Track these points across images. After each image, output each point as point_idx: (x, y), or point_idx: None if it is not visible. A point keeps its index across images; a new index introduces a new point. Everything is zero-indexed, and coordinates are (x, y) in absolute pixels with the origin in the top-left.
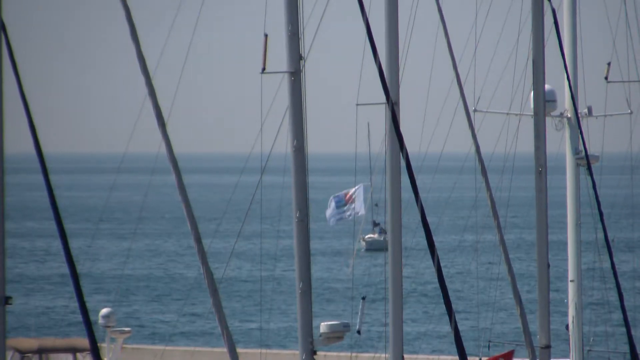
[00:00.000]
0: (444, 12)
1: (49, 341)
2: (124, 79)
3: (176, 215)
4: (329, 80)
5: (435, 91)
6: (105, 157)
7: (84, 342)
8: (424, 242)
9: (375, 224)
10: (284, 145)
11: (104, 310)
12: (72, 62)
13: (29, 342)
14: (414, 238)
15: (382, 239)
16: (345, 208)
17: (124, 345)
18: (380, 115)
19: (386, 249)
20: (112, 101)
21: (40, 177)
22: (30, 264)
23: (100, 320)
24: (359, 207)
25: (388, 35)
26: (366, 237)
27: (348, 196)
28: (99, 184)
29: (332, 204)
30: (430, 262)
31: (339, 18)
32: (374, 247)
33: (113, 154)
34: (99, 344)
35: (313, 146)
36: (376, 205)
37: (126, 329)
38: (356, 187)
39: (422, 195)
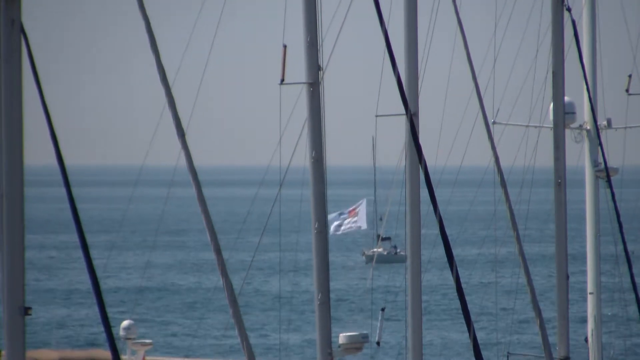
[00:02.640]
0: (463, 23)
1: (70, 353)
2: (143, 91)
3: (196, 227)
4: (346, 91)
5: (453, 103)
6: (124, 169)
7: (105, 354)
8: (439, 254)
9: (383, 239)
10: (302, 157)
11: (125, 322)
12: (91, 72)
13: (50, 354)
14: (432, 250)
15: (385, 253)
16: (347, 222)
17: (145, 357)
18: (398, 127)
19: (387, 262)
20: (130, 112)
21: (61, 190)
22: (50, 276)
23: (122, 332)
24: (361, 221)
25: (407, 46)
26: (368, 250)
27: (352, 211)
28: (119, 197)
29: (332, 216)
30: (449, 274)
31: (358, 29)
32: (375, 261)
33: (131, 165)
34: (120, 356)
35: (329, 158)
36: (381, 219)
37: (147, 340)
38: (359, 202)
39: (441, 208)
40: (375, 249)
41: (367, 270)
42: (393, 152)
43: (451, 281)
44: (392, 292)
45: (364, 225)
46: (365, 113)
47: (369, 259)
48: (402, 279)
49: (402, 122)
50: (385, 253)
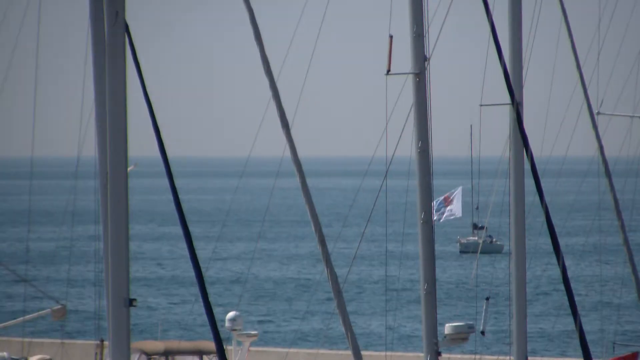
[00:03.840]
0: (567, 12)
1: (175, 344)
2: (248, 84)
3: (300, 219)
4: (449, 82)
5: (558, 93)
6: (230, 161)
7: (210, 345)
8: (543, 245)
9: (478, 227)
10: (406, 147)
11: (231, 314)
12: (195, 67)
13: (156, 345)
14: (537, 240)
15: (480, 241)
16: (443, 210)
17: (250, 349)
18: (500, 118)
19: (483, 252)
20: (234, 104)
21: (165, 181)
22: (155, 267)
23: (227, 324)
24: (457, 209)
25: (512, 36)
26: (463, 239)
27: (447, 198)
28: (224, 187)
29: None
30: (552, 263)
31: (462, 19)
32: (470, 250)
33: (238, 157)
34: (225, 347)
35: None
36: (477, 208)
37: (253, 332)
38: (455, 190)
39: (546, 198)
40: (470, 237)
41: (462, 259)
42: (495, 143)
43: (553, 271)
44: (490, 282)
45: (460, 214)
46: (467, 103)
47: (464, 247)
48: (499, 268)
49: (505, 113)
50: (480, 242)
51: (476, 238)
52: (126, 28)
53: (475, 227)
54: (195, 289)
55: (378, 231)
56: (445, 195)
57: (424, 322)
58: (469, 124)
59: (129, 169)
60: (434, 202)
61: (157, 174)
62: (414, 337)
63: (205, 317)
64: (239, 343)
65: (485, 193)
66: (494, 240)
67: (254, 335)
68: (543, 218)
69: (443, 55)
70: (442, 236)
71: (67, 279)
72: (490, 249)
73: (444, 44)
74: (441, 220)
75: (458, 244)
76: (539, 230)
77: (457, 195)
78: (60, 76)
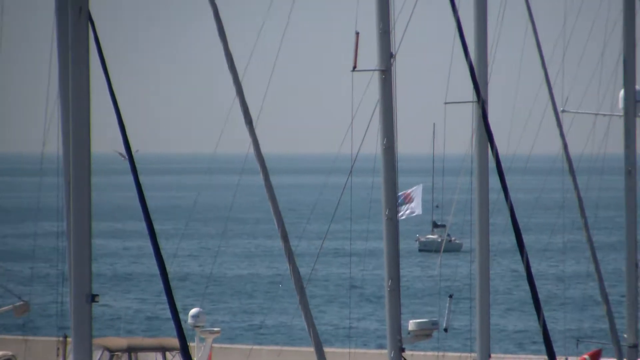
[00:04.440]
0: (533, 11)
1: (139, 340)
2: (215, 80)
3: (264, 216)
4: (415, 78)
5: (523, 91)
6: (194, 158)
7: (174, 341)
8: (507, 242)
9: (437, 225)
10: (372, 144)
11: (194, 310)
12: (159, 61)
13: (119, 341)
14: (500, 237)
15: (439, 240)
16: (403, 207)
17: (213, 345)
18: (465, 116)
19: (441, 250)
20: (201, 101)
21: (129, 178)
22: (117, 264)
23: (190, 320)
24: (417, 206)
25: (477, 34)
26: (422, 237)
27: (407, 196)
28: (188, 185)
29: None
30: (516, 261)
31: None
32: (428, 248)
33: (202, 154)
34: (188, 344)
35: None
36: (437, 206)
37: (215, 328)
38: (414, 188)
39: (511, 195)
40: (429, 236)
41: (422, 257)
42: (460, 141)
43: (517, 268)
44: (453, 279)
45: (420, 212)
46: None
47: (423, 245)
48: (461, 266)
49: (469, 111)
50: (439, 240)
51: (436, 236)
52: (92, 23)
53: (435, 225)
54: (159, 286)
55: (344, 228)
56: (406, 192)
57: (388, 318)
58: (434, 121)
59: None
60: None
61: (122, 170)
62: (377, 334)
63: (168, 314)
64: (202, 340)
65: (449, 191)
66: (453, 239)
67: (217, 332)
68: (508, 215)
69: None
70: (401, 234)
71: (30, 276)
72: (449, 248)
73: (410, 41)
74: (401, 218)
75: (417, 242)
76: (502, 229)
77: (418, 193)
78: (25, 73)
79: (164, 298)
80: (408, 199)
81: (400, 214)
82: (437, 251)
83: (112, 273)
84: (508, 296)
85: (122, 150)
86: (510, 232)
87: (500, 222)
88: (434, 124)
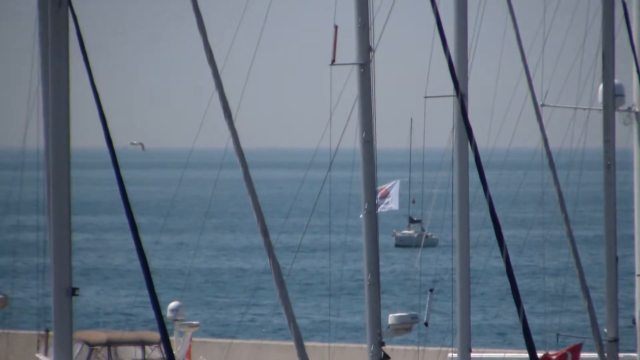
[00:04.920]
0: (512, 4)
1: (118, 334)
2: (192, 73)
3: (243, 210)
4: (395, 73)
5: (502, 85)
6: (173, 152)
7: (153, 335)
8: (485, 236)
9: (414, 221)
10: (351, 139)
11: (173, 304)
12: (137, 55)
13: (98, 335)
14: (479, 232)
15: (416, 235)
16: (380, 202)
17: (192, 339)
18: (446, 110)
19: (418, 245)
20: (179, 95)
21: (110, 172)
22: (96, 258)
23: (169, 314)
24: (393, 201)
25: (457, 27)
26: (399, 232)
27: (383, 191)
28: (168, 179)
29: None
30: (496, 256)
31: (408, 10)
32: (405, 243)
33: (181, 149)
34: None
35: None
36: (413, 202)
37: (194, 322)
38: (392, 183)
39: (490, 189)
40: (405, 231)
41: (399, 251)
42: (439, 135)
43: (497, 263)
44: (433, 274)
45: (397, 207)
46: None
47: (399, 240)
48: (436, 260)
49: (450, 104)
50: (415, 235)
51: (412, 231)
52: (73, 16)
53: (411, 220)
54: (138, 280)
55: (323, 223)
56: (382, 187)
57: (367, 312)
58: (412, 116)
59: (135, 143)
60: None
61: (103, 165)
62: (357, 328)
63: (147, 308)
64: (181, 333)
65: (428, 185)
66: (430, 234)
67: (196, 325)
68: (487, 210)
69: (389, 47)
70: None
71: (10, 270)
72: (425, 243)
73: (390, 35)
74: (377, 212)
75: (394, 237)
76: (481, 222)
77: (395, 188)
78: (6, 66)
79: (143, 292)
80: (384, 194)
81: (380, 209)
82: (416, 246)
83: (92, 266)
84: (490, 290)
85: (135, 140)
86: (490, 226)
87: (478, 216)
88: (411, 119)
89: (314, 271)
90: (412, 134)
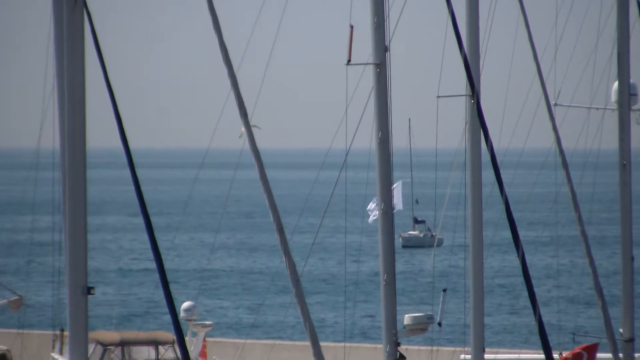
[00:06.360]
0: (524, 4)
1: (132, 334)
2: (209, 74)
3: (259, 210)
4: (407, 73)
5: (515, 85)
6: (189, 153)
7: (166, 335)
8: (501, 237)
9: (418, 221)
10: (366, 139)
11: (186, 304)
12: (153, 56)
13: (112, 335)
14: (495, 232)
15: (421, 235)
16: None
17: (206, 339)
18: (457, 109)
19: (423, 246)
20: (195, 96)
21: (126, 172)
22: (110, 258)
23: (182, 314)
24: (397, 202)
25: (469, 27)
26: (405, 233)
27: None
28: (183, 179)
29: (374, 202)
30: (510, 256)
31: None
32: (411, 244)
33: (197, 149)
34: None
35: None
36: (417, 202)
37: (207, 322)
38: (394, 184)
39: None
40: (410, 232)
41: (406, 253)
42: (446, 134)
43: (511, 263)
44: (447, 274)
45: (400, 207)
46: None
47: (405, 241)
48: (441, 261)
49: (455, 104)
50: (421, 236)
51: (417, 232)
52: (88, 15)
53: (415, 221)
54: (153, 280)
55: (338, 223)
56: None
57: (383, 312)
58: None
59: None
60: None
61: (118, 165)
62: (373, 328)
63: (161, 308)
64: (194, 333)
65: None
66: (433, 234)
67: (209, 325)
68: (503, 210)
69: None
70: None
71: (25, 271)
72: (431, 243)
73: (403, 34)
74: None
75: (400, 238)
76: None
77: (397, 188)
78: (23, 66)
79: (158, 292)
80: None
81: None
82: (424, 246)
83: (108, 267)
84: (505, 290)
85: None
86: (505, 227)
87: (491, 216)
88: (409, 119)
89: (330, 270)
90: (411, 134)
